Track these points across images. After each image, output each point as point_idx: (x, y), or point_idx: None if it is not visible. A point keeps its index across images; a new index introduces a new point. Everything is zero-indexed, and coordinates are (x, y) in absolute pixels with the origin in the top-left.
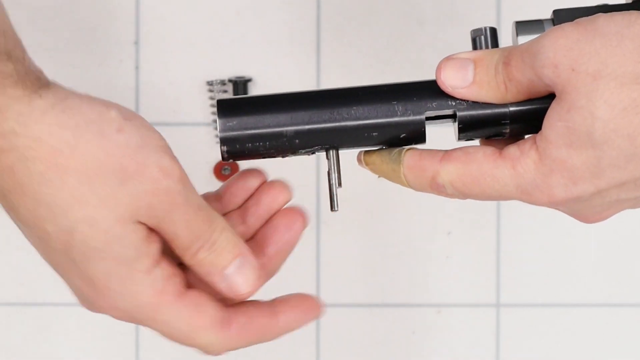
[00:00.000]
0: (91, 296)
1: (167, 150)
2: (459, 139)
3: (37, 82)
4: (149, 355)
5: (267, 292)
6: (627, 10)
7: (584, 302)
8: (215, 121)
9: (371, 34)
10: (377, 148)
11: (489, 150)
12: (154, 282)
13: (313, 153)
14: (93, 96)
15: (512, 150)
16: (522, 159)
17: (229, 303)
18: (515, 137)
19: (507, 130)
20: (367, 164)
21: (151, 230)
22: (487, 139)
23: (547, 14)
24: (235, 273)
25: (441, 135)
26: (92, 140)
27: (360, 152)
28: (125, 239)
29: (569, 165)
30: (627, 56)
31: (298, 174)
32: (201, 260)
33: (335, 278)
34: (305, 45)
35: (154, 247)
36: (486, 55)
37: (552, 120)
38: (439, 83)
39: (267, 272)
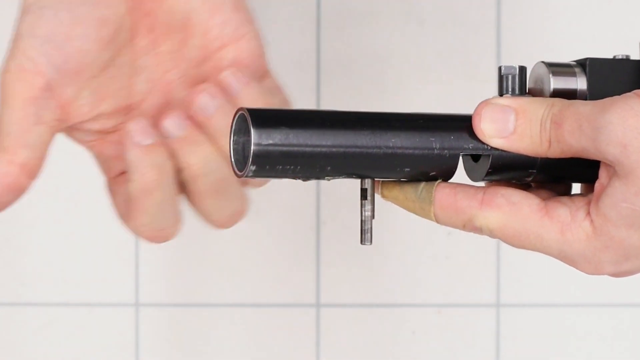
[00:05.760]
0: None
1: None
2: (483, 179)
3: None
4: (149, 355)
5: (266, 292)
6: None
7: (584, 302)
8: (232, 134)
9: (371, 34)
10: (395, 180)
11: (535, 203)
12: None
13: (332, 179)
14: None
15: (562, 212)
16: (573, 227)
17: None
18: (539, 184)
19: (531, 179)
20: (386, 198)
21: None
22: (507, 182)
23: (545, 14)
24: None
25: None
26: None
27: (378, 184)
28: None
29: (626, 244)
30: None
31: None
32: None
33: (335, 278)
34: (305, 45)
35: None
36: (529, 106)
37: (616, 199)
38: (477, 132)
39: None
